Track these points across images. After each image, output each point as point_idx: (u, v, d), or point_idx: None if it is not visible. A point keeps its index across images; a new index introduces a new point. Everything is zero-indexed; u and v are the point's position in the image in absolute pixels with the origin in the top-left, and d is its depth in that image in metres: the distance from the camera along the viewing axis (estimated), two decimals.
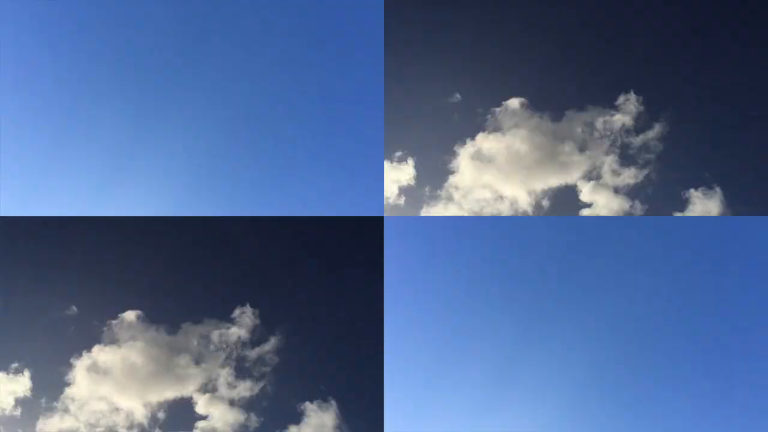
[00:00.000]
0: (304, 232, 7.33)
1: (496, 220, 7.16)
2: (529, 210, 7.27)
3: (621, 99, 7.33)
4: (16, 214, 7.29)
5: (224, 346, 7.24)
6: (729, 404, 6.62)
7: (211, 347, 7.24)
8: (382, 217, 7.09)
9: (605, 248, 7.01)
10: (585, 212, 7.22)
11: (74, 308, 7.24)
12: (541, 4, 7.52)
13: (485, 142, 7.38)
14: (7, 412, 6.95)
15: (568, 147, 7.33)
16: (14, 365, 7.04)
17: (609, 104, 7.34)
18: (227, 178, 7.43)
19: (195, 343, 7.23)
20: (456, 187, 7.32)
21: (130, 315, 7.25)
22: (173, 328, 7.23)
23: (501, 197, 7.31)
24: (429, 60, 7.52)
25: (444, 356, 6.89)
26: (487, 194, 7.31)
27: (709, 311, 6.82)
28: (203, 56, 7.53)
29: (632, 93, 7.31)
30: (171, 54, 7.54)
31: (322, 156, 7.38)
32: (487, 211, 7.27)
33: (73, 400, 7.02)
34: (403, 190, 7.35)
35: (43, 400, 6.99)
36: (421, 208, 7.30)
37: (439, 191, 7.33)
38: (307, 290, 7.31)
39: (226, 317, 7.27)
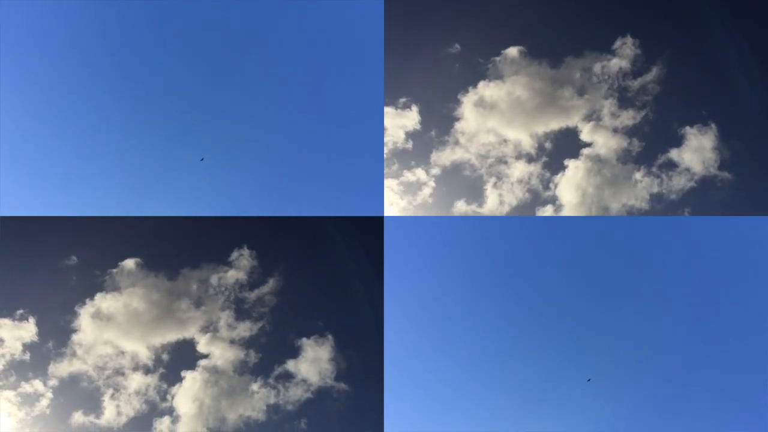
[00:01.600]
0: (304, 232, 7.38)
1: (496, 220, 7.23)
2: (533, 152, 7.39)
3: (618, 43, 7.53)
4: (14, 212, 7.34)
5: (223, 289, 7.34)
6: (727, 401, 6.69)
7: (211, 291, 7.34)
8: (382, 217, 7.15)
9: (606, 248, 7.02)
10: (586, 151, 7.36)
11: (74, 258, 7.32)
12: None
13: (487, 89, 7.53)
14: (16, 356, 7.07)
15: (567, 92, 7.50)
16: (19, 312, 7.15)
17: (606, 49, 7.53)
18: (227, 178, 7.49)
19: (194, 287, 7.33)
20: (462, 132, 7.44)
21: (129, 263, 7.33)
22: (173, 273, 7.35)
23: (505, 141, 7.43)
24: (427, 12, 7.69)
25: (444, 358, 6.91)
26: (492, 138, 7.44)
27: (710, 310, 6.91)
28: (203, 56, 7.62)
29: (629, 36, 7.51)
30: (169, 53, 7.60)
31: (323, 156, 7.46)
32: (493, 155, 7.40)
33: (80, 345, 7.13)
34: (410, 135, 7.46)
35: (50, 345, 7.10)
36: (430, 151, 7.40)
37: (446, 137, 7.45)
38: (306, 233, 7.33)
39: (224, 260, 7.36)
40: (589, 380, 6.76)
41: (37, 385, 6.96)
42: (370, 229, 7.10)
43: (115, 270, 7.28)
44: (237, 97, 7.54)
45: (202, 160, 7.35)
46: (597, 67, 7.52)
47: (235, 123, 7.52)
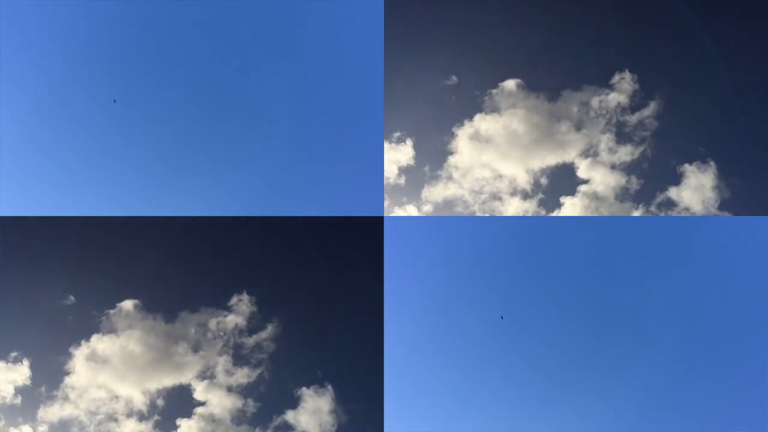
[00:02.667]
0: (304, 232, 7.32)
1: (496, 221, 7.19)
2: (528, 188, 7.32)
3: (616, 78, 7.43)
4: (15, 214, 7.27)
5: (221, 333, 7.23)
6: (728, 401, 6.68)
7: (209, 335, 7.23)
8: (382, 217, 7.11)
9: (606, 248, 7.01)
10: (583, 188, 7.27)
11: (72, 298, 7.22)
12: None
13: (483, 122, 7.43)
14: (7, 400, 6.95)
15: (564, 126, 7.40)
16: (13, 354, 7.04)
17: (604, 83, 7.43)
18: (226, 178, 7.42)
19: (192, 331, 7.23)
20: (456, 167, 7.36)
21: (128, 304, 7.23)
22: (171, 316, 7.23)
23: (500, 176, 7.35)
24: (426, 43, 7.57)
25: (443, 354, 6.88)
26: (486, 173, 7.35)
27: (709, 310, 6.88)
28: (202, 56, 7.55)
29: (627, 72, 7.40)
30: (167, 51, 7.54)
31: (323, 156, 7.40)
32: (487, 190, 7.32)
33: (72, 388, 7.01)
34: (403, 170, 7.39)
35: (43, 389, 6.98)
36: (422, 187, 7.32)
37: (439, 171, 7.38)
38: (306, 279, 7.27)
39: (222, 305, 7.26)
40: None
41: (26, 431, 6.86)
42: (370, 229, 7.07)
43: (112, 311, 7.18)
44: (237, 101, 7.47)
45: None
46: (595, 101, 7.42)
47: (234, 123, 7.46)
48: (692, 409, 6.71)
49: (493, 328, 6.91)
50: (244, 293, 7.23)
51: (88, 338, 7.09)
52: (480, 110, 7.43)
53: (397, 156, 7.36)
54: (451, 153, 7.38)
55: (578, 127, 7.39)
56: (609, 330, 6.85)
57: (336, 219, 7.19)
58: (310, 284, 7.28)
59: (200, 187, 7.38)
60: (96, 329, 7.11)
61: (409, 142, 7.39)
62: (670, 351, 6.79)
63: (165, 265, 7.34)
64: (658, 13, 7.48)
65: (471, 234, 7.15)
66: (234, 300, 7.23)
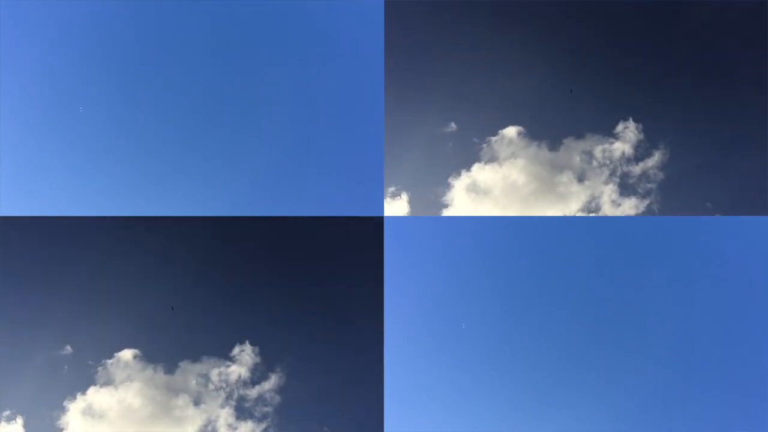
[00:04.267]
0: (304, 232, 7.22)
1: (496, 221, 7.04)
2: None
3: (620, 127, 7.14)
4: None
5: (224, 385, 7.10)
6: (729, 402, 6.61)
7: (211, 387, 7.10)
8: (382, 217, 6.97)
9: (606, 248, 6.91)
10: None
11: (69, 348, 7.07)
12: (537, 31, 7.31)
13: (481, 173, 7.21)
14: None
15: (566, 177, 7.16)
16: (6, 413, 6.92)
17: (608, 132, 7.15)
18: (226, 178, 7.33)
19: (194, 382, 7.09)
20: None
21: (127, 354, 7.08)
22: (171, 367, 7.08)
23: None
24: (425, 89, 7.34)
25: (445, 360, 6.84)
26: None
27: (708, 311, 6.76)
28: (201, 56, 7.41)
29: (631, 121, 7.12)
30: (167, 52, 7.42)
31: (322, 156, 7.26)
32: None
33: None
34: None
35: None
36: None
37: None
38: (308, 325, 7.20)
39: (225, 355, 7.12)
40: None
41: None
42: (370, 229, 6.99)
43: (110, 361, 7.02)
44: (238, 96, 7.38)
45: None
46: (598, 151, 7.15)
47: (233, 122, 7.38)
48: (693, 409, 6.67)
49: (494, 328, 6.85)
50: (247, 343, 7.11)
51: (84, 391, 6.95)
52: (478, 159, 7.23)
53: (393, 210, 7.19)
54: (446, 206, 7.21)
55: (580, 178, 7.15)
56: (610, 330, 6.84)
57: (336, 219, 7.09)
58: (312, 329, 7.21)
59: (200, 187, 7.31)
60: (92, 381, 6.96)
61: (404, 197, 7.21)
62: (671, 351, 6.80)
63: (166, 309, 7.22)
64: (663, 59, 7.17)
65: (472, 234, 7.03)
66: (236, 350, 7.11)
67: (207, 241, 7.23)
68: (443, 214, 7.18)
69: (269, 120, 7.34)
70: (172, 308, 7.15)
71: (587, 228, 6.99)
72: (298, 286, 7.19)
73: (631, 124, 7.11)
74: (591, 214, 7.09)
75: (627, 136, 7.11)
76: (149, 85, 7.41)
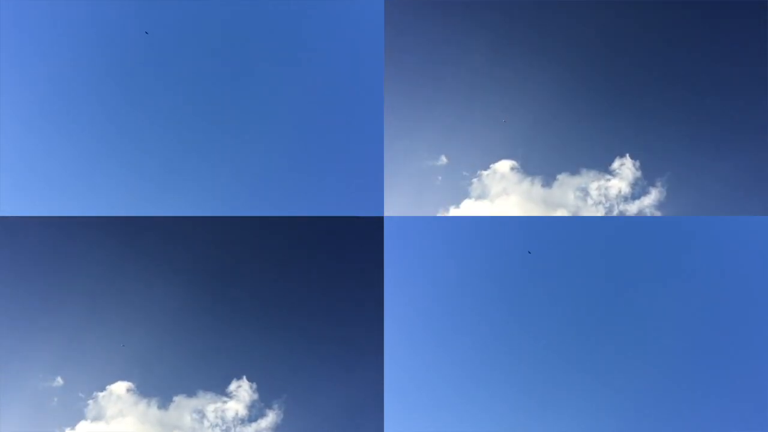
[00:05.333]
0: (304, 232, 7.17)
1: (497, 220, 6.93)
2: None
3: (616, 163, 6.89)
4: None
5: (220, 422, 6.97)
6: (729, 402, 6.55)
7: (206, 423, 6.97)
8: (382, 217, 6.91)
9: (606, 249, 6.82)
10: None
11: (60, 380, 6.92)
12: (533, 62, 7.06)
13: (471, 210, 7.02)
14: None
15: (560, 214, 6.95)
16: None
17: (604, 168, 6.90)
18: (225, 178, 7.28)
19: (188, 418, 6.96)
20: None
21: (120, 387, 6.91)
22: (165, 401, 6.93)
23: None
24: (418, 121, 7.14)
25: (445, 360, 6.82)
26: None
27: (708, 311, 6.66)
28: (201, 56, 7.33)
29: (628, 157, 6.88)
30: (167, 52, 7.34)
31: (322, 156, 7.18)
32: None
33: None
34: None
35: None
36: None
37: None
38: (306, 361, 7.13)
39: (221, 391, 6.99)
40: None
41: None
42: (370, 229, 6.95)
43: (102, 393, 6.87)
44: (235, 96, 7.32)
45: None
46: (593, 188, 6.92)
47: (233, 123, 7.32)
48: (693, 409, 6.64)
49: (494, 328, 6.81)
50: (244, 379, 6.98)
51: (73, 426, 6.82)
52: (468, 195, 7.03)
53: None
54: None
55: (575, 215, 6.93)
56: (610, 331, 6.82)
57: (336, 219, 7.03)
58: (310, 366, 7.14)
59: (199, 187, 7.25)
60: (82, 415, 6.83)
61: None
62: (670, 351, 6.78)
63: (162, 342, 7.11)
64: (661, 95, 6.91)
65: (472, 234, 6.93)
66: (233, 386, 6.98)
67: (205, 241, 7.18)
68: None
69: (269, 120, 7.25)
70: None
71: (587, 228, 6.89)
72: (298, 286, 7.17)
73: (628, 161, 6.88)
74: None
75: (624, 173, 6.88)
76: (150, 85, 7.33)
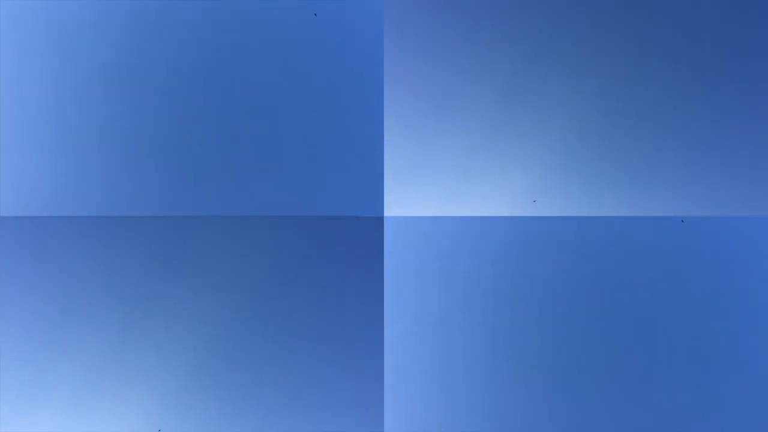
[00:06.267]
0: (303, 232, 7.26)
1: (497, 220, 7.01)
2: None
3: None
4: None
5: None
6: (730, 402, 6.75)
7: None
8: (382, 217, 7.13)
9: (607, 249, 6.90)
10: None
11: None
12: (541, 108, 7.01)
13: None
14: None
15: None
16: None
17: None
18: (224, 178, 7.31)
19: None
20: None
21: None
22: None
23: None
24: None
25: (445, 361, 6.98)
26: None
27: (708, 311, 6.84)
28: (200, 55, 7.26)
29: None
30: (167, 52, 7.26)
31: (322, 156, 7.22)
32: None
33: None
34: None
35: None
36: None
37: None
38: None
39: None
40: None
41: None
42: (370, 229, 7.07)
43: None
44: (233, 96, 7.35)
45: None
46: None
47: (231, 122, 7.37)
48: (693, 409, 6.85)
49: (495, 329, 6.96)
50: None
51: None
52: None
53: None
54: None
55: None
56: (610, 331, 6.89)
57: (336, 219, 7.14)
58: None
59: (197, 186, 7.28)
60: None
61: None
62: (670, 351, 6.85)
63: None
64: (662, 128, 6.91)
65: (473, 234, 7.05)
66: None
67: (204, 241, 7.22)
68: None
69: (269, 120, 7.21)
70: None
71: (588, 228, 6.89)
72: (296, 286, 7.23)
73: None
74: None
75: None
76: (149, 84, 7.27)
